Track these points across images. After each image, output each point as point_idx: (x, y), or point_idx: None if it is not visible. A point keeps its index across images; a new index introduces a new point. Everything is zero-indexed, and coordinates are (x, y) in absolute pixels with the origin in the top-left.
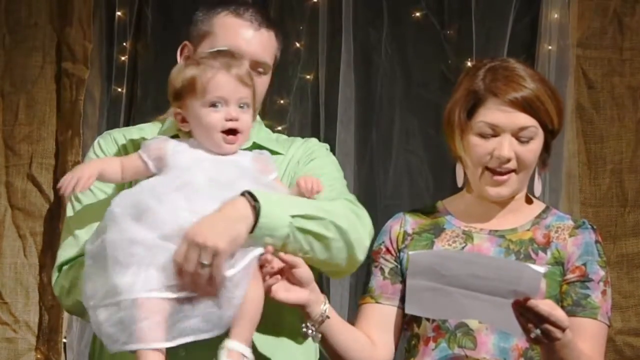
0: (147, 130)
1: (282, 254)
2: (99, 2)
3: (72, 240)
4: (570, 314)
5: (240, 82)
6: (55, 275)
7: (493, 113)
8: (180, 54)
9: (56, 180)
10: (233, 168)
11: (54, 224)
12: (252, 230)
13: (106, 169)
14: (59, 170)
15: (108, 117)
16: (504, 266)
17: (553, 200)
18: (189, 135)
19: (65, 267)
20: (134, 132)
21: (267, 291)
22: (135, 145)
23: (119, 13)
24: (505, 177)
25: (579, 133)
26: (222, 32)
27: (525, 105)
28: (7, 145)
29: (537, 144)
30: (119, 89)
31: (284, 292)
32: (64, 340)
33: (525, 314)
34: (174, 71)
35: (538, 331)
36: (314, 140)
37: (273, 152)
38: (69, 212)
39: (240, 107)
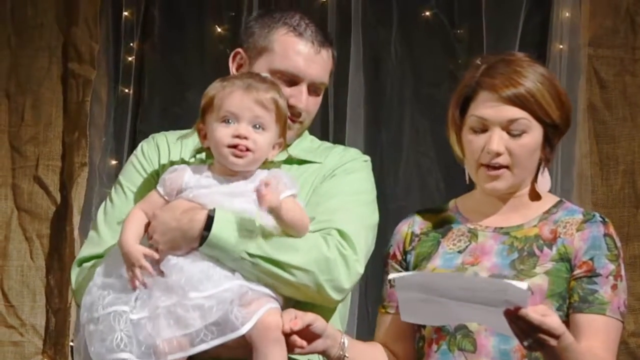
0: (189, 135)
1: (294, 324)
2: (105, 1)
3: (96, 238)
4: (577, 310)
5: (258, 103)
6: (75, 269)
7: (482, 106)
8: (232, 61)
9: (62, 182)
10: (238, 199)
11: (61, 226)
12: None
13: (140, 230)
14: (66, 172)
15: (115, 118)
16: (489, 286)
17: None
18: (209, 154)
19: (85, 265)
20: (176, 135)
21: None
22: (173, 149)
23: (125, 13)
24: (498, 171)
25: (590, 133)
26: (281, 51)
27: (514, 99)
28: (13, 147)
29: (531, 138)
30: (126, 90)
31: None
32: (71, 343)
33: (517, 322)
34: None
35: (531, 340)
36: (353, 152)
37: (309, 162)
38: (101, 209)
39: (255, 127)
